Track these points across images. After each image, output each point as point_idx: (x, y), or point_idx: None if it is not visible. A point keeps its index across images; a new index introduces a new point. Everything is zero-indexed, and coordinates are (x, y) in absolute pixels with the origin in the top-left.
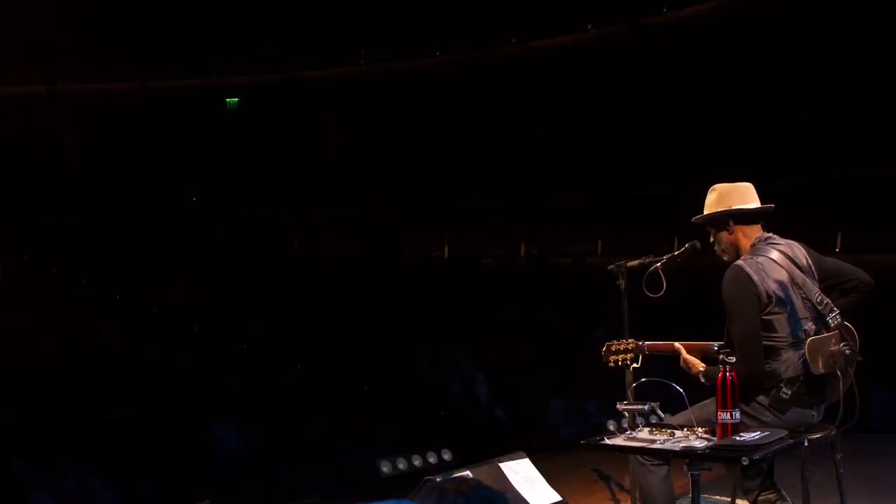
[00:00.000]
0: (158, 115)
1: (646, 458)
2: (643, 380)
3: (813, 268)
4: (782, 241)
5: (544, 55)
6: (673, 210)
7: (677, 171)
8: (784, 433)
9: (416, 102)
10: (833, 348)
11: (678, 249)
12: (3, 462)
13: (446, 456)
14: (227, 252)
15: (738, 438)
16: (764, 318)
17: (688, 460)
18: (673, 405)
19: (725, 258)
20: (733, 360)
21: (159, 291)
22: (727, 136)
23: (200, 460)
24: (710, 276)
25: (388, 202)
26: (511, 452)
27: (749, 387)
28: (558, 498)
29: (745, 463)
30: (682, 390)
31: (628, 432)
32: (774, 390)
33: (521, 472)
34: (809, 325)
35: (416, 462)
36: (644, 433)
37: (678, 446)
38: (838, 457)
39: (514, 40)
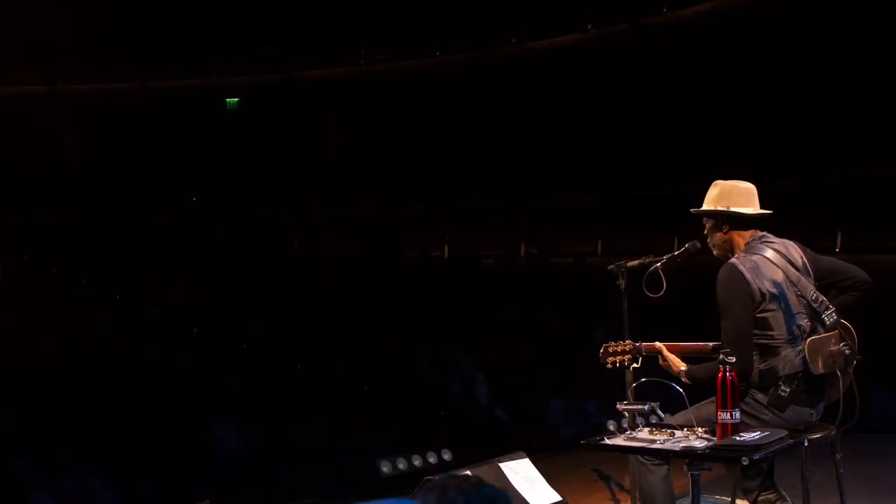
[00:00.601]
0: (158, 115)
1: (646, 458)
2: (643, 380)
3: (808, 266)
4: (777, 239)
5: (544, 55)
6: (673, 210)
7: (677, 171)
8: (784, 433)
9: (416, 102)
10: (833, 348)
11: (678, 249)
12: (3, 462)
13: (446, 456)
14: (227, 252)
15: (738, 438)
16: (759, 315)
17: (688, 460)
18: (673, 405)
19: (716, 253)
20: (733, 360)
21: (159, 291)
22: (727, 136)
23: (200, 460)
24: (710, 276)
25: (388, 202)
26: (511, 452)
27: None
28: (558, 498)
29: (745, 463)
30: (682, 390)
31: (628, 432)
32: (773, 388)
33: (521, 472)
34: (805, 322)
35: (416, 462)
36: (644, 433)
37: (678, 446)
38: (838, 457)
39: (514, 40)
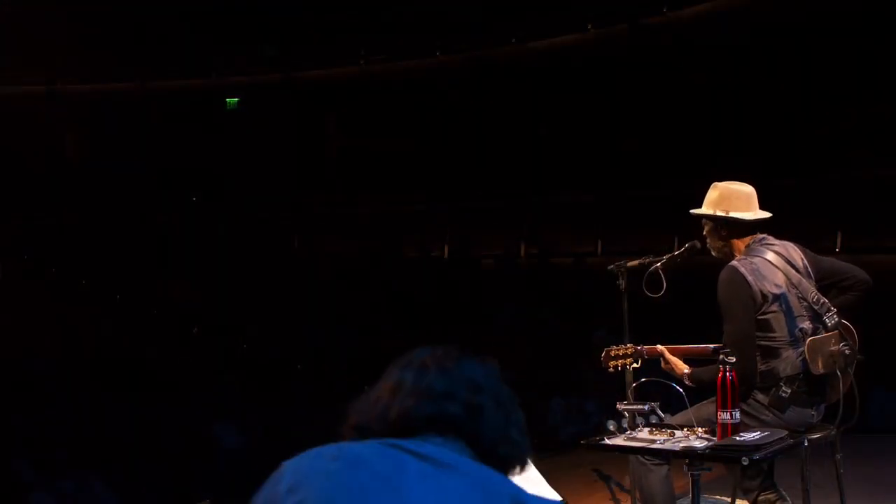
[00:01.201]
0: (158, 115)
1: (646, 458)
2: (643, 380)
3: (809, 268)
4: (777, 242)
5: (544, 55)
6: (673, 210)
7: (677, 171)
8: (784, 433)
9: (416, 102)
10: (833, 348)
11: (678, 249)
12: (3, 462)
13: None
14: (227, 252)
15: (738, 438)
16: (760, 317)
17: (688, 460)
18: (673, 405)
19: (716, 254)
20: (733, 360)
21: (159, 291)
22: (727, 136)
23: (200, 460)
24: (710, 276)
25: (388, 202)
26: None
27: (742, 387)
28: (558, 498)
29: (745, 463)
30: (682, 390)
31: (628, 432)
32: (774, 389)
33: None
34: (806, 324)
35: None
36: (644, 433)
37: (678, 446)
38: (838, 457)
39: (514, 40)
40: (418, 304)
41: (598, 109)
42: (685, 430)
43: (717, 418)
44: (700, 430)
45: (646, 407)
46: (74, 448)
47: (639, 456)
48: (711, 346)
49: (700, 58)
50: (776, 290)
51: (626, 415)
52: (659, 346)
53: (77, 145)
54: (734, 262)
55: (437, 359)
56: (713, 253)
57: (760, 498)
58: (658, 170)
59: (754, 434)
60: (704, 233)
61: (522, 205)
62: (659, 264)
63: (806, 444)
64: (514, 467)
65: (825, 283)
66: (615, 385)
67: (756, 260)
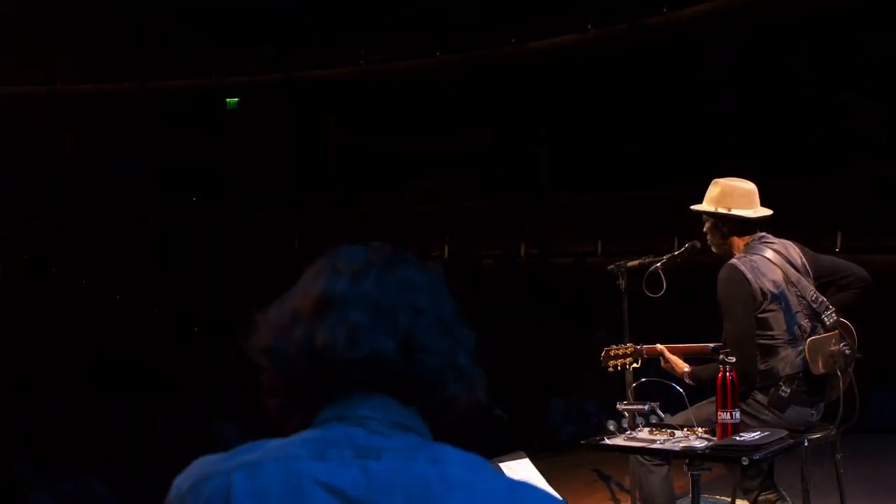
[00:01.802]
0: (158, 115)
1: (646, 458)
2: (643, 380)
3: (808, 266)
4: (776, 240)
5: (544, 55)
6: (673, 210)
7: (677, 171)
8: (784, 433)
9: (417, 102)
10: (833, 348)
11: (678, 249)
12: (3, 462)
13: None
14: (227, 252)
15: (738, 438)
16: (759, 315)
17: (688, 460)
18: (673, 405)
19: (715, 250)
20: (733, 360)
21: (159, 291)
22: (727, 136)
23: None
24: (710, 276)
25: (388, 202)
26: (511, 452)
27: (742, 386)
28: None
29: (745, 463)
30: (682, 390)
31: (628, 432)
32: (773, 388)
33: (521, 472)
34: (805, 322)
35: None
36: (644, 433)
37: (678, 446)
38: (838, 457)
39: (514, 40)
40: None
41: (598, 109)
42: (685, 430)
43: (717, 418)
44: (700, 430)
45: (646, 407)
46: (74, 448)
47: (639, 456)
48: (711, 344)
49: (700, 58)
50: (775, 289)
51: (626, 415)
52: (658, 346)
53: (77, 145)
54: (734, 261)
55: (373, 264)
56: (713, 249)
57: (760, 498)
58: (658, 170)
59: (754, 434)
60: (705, 229)
61: (522, 205)
62: (659, 264)
63: (806, 444)
64: (461, 407)
65: (823, 280)
66: (615, 385)
67: (755, 258)
